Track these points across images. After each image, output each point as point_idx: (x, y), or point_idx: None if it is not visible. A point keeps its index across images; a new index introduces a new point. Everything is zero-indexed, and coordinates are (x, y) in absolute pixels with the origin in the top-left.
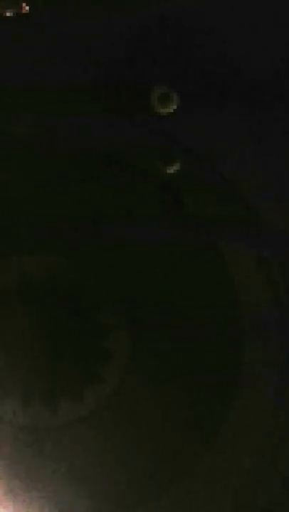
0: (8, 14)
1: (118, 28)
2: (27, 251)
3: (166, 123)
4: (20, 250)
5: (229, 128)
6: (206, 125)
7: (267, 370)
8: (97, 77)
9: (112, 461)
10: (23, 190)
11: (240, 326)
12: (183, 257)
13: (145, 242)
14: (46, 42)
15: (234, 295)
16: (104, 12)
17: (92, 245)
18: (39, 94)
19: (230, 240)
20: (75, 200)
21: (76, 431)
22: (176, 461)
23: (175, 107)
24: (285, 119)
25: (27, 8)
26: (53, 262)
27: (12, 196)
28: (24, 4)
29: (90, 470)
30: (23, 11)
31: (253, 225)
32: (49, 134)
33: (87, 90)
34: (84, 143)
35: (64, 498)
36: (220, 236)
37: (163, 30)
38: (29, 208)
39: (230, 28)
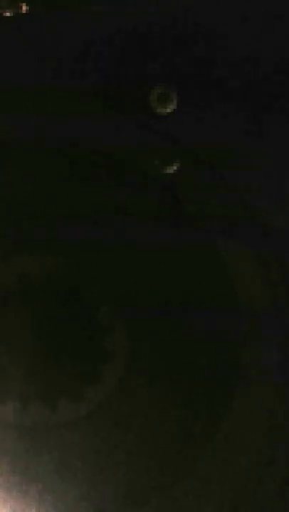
0: (7, 14)
1: (118, 28)
2: (27, 251)
3: (165, 123)
4: (20, 250)
5: (229, 128)
6: (206, 125)
7: (267, 370)
8: (97, 77)
9: (112, 461)
10: (22, 190)
11: (240, 326)
12: (182, 256)
13: (145, 242)
14: (46, 42)
15: (234, 295)
16: (104, 12)
17: (92, 245)
18: (38, 94)
19: (230, 239)
20: (75, 200)
21: (75, 431)
22: (175, 461)
23: (174, 106)
24: (285, 119)
25: (26, 8)
26: (53, 262)
27: (12, 196)
28: (23, 4)
29: (90, 470)
30: (22, 11)
31: (253, 225)
32: (49, 133)
33: (87, 90)
34: (83, 143)
35: (63, 498)
36: (220, 236)
37: (163, 30)
38: (29, 207)
39: (230, 27)
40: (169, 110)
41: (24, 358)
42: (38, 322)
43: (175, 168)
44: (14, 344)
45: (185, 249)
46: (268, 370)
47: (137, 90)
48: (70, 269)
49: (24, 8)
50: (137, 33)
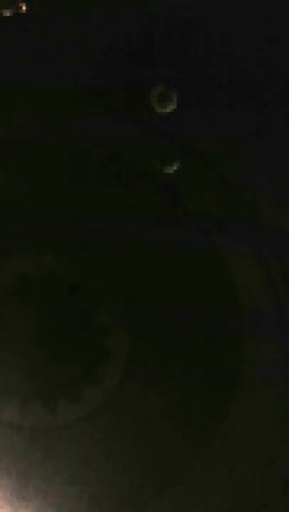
0: (6, 14)
1: (118, 27)
2: (26, 251)
3: (166, 123)
4: (20, 250)
5: (229, 128)
6: (206, 125)
7: (267, 370)
8: (97, 77)
9: (112, 461)
10: (22, 189)
11: (240, 326)
12: (182, 256)
13: (145, 242)
14: (45, 42)
15: (234, 295)
16: (104, 12)
17: (92, 245)
18: (38, 94)
19: (230, 239)
20: (75, 200)
21: (75, 431)
22: (175, 461)
23: (174, 106)
24: (285, 119)
25: (26, 8)
26: (53, 262)
27: (12, 196)
28: (23, 4)
29: (89, 470)
30: (22, 11)
31: (253, 225)
32: (49, 133)
33: (87, 90)
34: (84, 143)
35: (63, 498)
36: (220, 236)
37: (163, 30)
38: (28, 207)
39: (230, 27)
40: (169, 110)
41: (24, 357)
42: (38, 322)
43: (175, 168)
44: (14, 344)
45: (185, 248)
46: (268, 370)
47: (137, 90)
48: (70, 269)
49: (24, 8)
50: (137, 33)
